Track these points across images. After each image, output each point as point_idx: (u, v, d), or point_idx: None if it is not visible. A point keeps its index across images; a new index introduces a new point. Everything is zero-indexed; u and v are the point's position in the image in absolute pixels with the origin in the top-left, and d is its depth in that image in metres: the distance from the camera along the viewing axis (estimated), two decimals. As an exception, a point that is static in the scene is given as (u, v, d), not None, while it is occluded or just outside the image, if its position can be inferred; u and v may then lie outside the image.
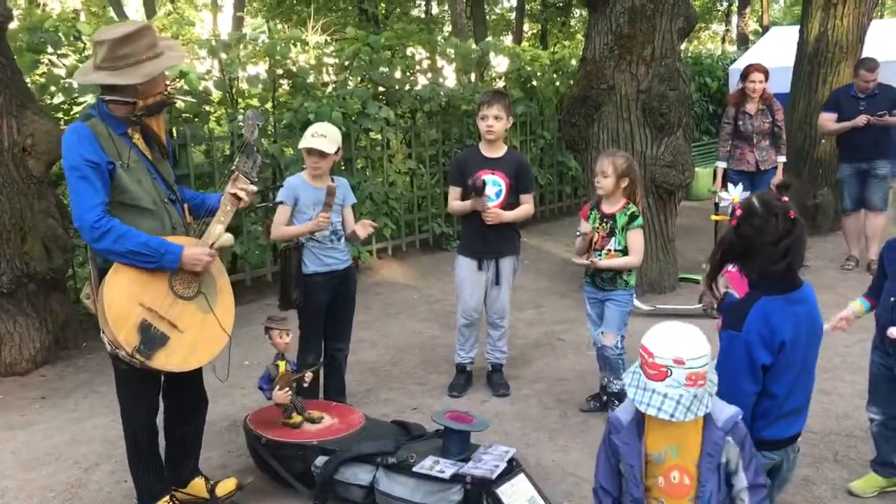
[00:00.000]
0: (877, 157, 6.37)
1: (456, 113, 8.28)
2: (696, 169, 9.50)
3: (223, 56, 6.39)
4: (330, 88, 7.38)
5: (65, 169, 2.72)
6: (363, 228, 3.87)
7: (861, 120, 6.22)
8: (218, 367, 3.01)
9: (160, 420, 3.12)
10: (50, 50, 5.56)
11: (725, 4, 28.13)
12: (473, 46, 8.80)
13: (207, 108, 6.34)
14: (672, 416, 1.96)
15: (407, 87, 7.84)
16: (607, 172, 3.80)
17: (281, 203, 3.74)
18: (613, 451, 2.15)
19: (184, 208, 3.04)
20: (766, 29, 19.95)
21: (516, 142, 8.95)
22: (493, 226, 4.14)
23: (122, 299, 2.71)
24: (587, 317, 4.15)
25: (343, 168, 6.89)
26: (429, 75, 8.60)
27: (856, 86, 6.39)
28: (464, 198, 4.21)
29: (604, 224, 3.87)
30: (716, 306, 2.50)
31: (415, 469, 3.02)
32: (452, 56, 8.75)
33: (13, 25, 5.10)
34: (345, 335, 4.11)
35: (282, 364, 3.42)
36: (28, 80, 5.30)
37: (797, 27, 8.38)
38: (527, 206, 4.26)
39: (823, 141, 7.88)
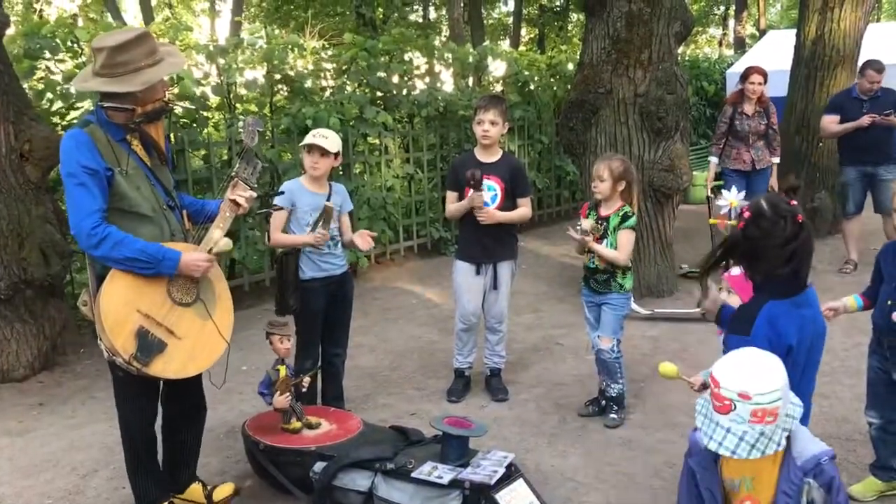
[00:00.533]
0: (880, 159, 6.37)
1: (454, 117, 8.29)
2: (694, 173, 9.54)
3: (221, 61, 6.40)
4: (328, 93, 7.39)
5: (62, 175, 2.71)
6: (363, 241, 3.86)
7: (865, 120, 6.23)
8: (214, 372, 3.00)
9: (158, 426, 3.11)
10: (47, 56, 5.56)
11: (722, 8, 28.20)
12: (471, 51, 8.81)
13: (205, 113, 6.34)
14: (733, 452, 1.87)
15: (405, 91, 7.85)
16: (604, 176, 3.82)
17: (280, 209, 3.74)
18: (692, 473, 2.08)
19: (183, 215, 3.03)
20: (763, 33, 20.03)
21: (514, 146, 8.96)
22: (491, 231, 4.14)
23: (119, 306, 2.70)
24: (585, 321, 4.16)
25: (341, 173, 6.89)
26: (426, 80, 8.61)
27: (859, 87, 6.40)
28: (462, 200, 4.21)
29: (598, 226, 3.90)
30: (700, 306, 2.48)
31: (413, 475, 3.01)
32: (450, 61, 8.76)
33: (10, 31, 5.10)
34: (342, 340, 4.10)
35: (282, 369, 3.42)
36: (26, 85, 5.29)
37: (794, 31, 8.40)
38: (523, 210, 4.26)
39: (821, 144, 7.90)
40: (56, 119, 5.61)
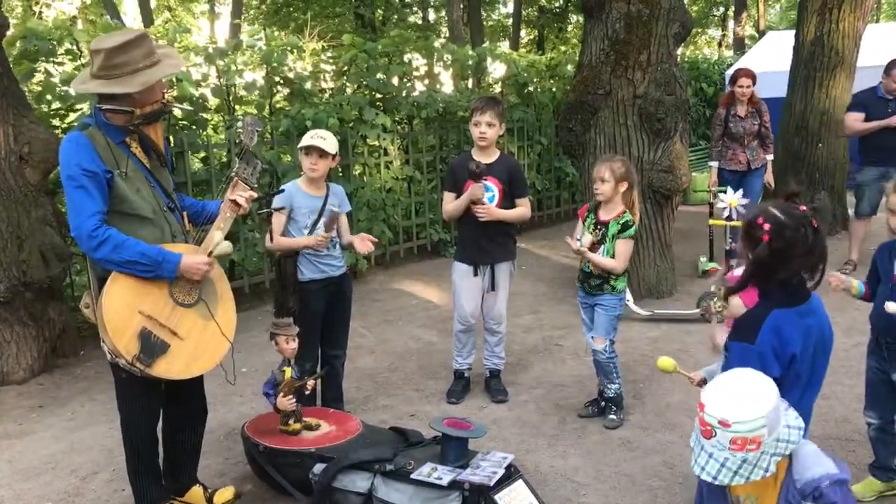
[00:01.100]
0: None
1: (453, 119, 8.30)
2: (694, 174, 9.55)
3: (220, 63, 6.40)
4: (327, 95, 7.39)
5: (62, 178, 2.71)
6: (363, 245, 3.87)
7: (895, 120, 6.21)
8: (220, 373, 3.00)
9: (159, 428, 3.11)
10: (46, 58, 5.56)
11: (722, 10, 28.21)
12: (470, 53, 8.81)
13: (205, 115, 6.34)
14: (714, 478, 1.85)
15: (404, 93, 7.85)
16: (606, 178, 3.81)
17: (279, 209, 3.74)
18: (702, 489, 2.10)
19: (183, 216, 3.04)
20: (762, 34, 20.03)
21: (514, 147, 8.96)
22: (489, 232, 4.14)
23: (122, 308, 2.70)
24: (582, 322, 4.16)
25: (340, 174, 6.90)
26: (426, 82, 8.61)
27: (884, 87, 6.35)
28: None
29: (597, 231, 3.89)
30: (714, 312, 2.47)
31: (413, 476, 3.01)
32: (449, 62, 8.76)
33: (10, 33, 5.10)
34: (341, 342, 4.10)
35: (287, 370, 3.42)
36: (25, 88, 5.29)
37: (793, 31, 8.40)
38: (522, 209, 4.26)
39: (820, 145, 7.91)
40: (56, 122, 5.61)
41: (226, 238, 2.97)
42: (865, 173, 6.54)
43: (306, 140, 3.75)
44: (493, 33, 25.06)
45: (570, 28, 24.71)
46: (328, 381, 4.09)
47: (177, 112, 5.72)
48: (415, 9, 22.52)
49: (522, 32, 24.19)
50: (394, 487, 3.05)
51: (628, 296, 5.41)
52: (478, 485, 2.89)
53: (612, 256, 3.84)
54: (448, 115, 8.26)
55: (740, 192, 6.00)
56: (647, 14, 5.78)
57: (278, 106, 7.09)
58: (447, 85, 9.30)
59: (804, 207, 2.21)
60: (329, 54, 8.10)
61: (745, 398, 1.86)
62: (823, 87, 7.80)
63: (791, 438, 1.91)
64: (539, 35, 24.25)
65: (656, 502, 3.24)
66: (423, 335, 5.64)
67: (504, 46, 19.34)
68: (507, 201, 4.20)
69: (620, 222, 3.83)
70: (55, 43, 5.56)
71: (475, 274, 4.24)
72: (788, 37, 9.26)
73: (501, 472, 2.98)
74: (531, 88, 9.53)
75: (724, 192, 6.11)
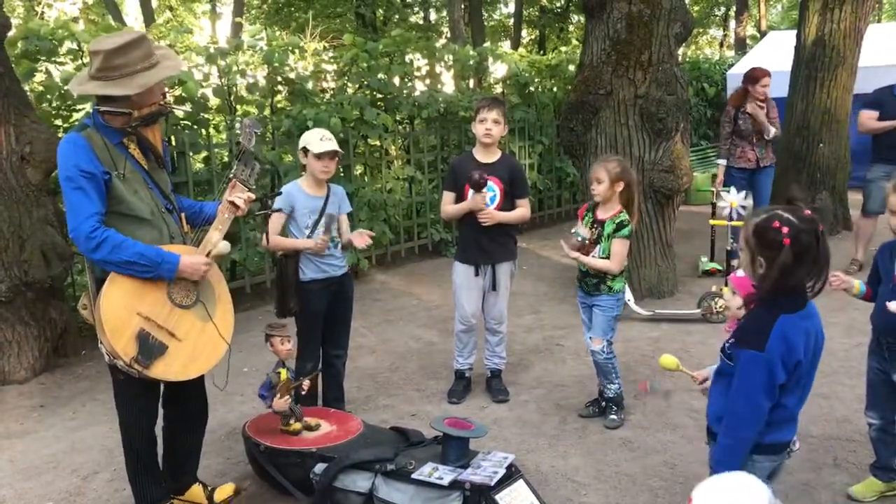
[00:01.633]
0: None
1: (454, 119, 8.29)
2: (695, 174, 9.54)
3: (222, 63, 6.40)
4: (328, 95, 7.39)
5: (60, 179, 2.71)
6: (361, 239, 3.88)
7: None
8: (216, 374, 3.00)
9: (159, 427, 3.11)
10: (47, 58, 5.56)
11: (723, 10, 28.18)
12: (471, 53, 8.81)
13: (206, 115, 6.34)
14: None
15: (405, 93, 7.85)
16: (601, 179, 3.82)
17: (279, 211, 3.74)
18: None
19: (181, 217, 3.04)
20: (763, 34, 20.01)
21: (515, 147, 8.96)
22: (490, 232, 4.14)
23: (119, 309, 2.70)
24: (582, 322, 4.16)
25: (342, 174, 6.90)
26: (427, 82, 8.61)
27: None
28: (459, 202, 4.21)
29: (593, 229, 3.89)
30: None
31: (414, 476, 3.01)
32: (450, 62, 8.77)
33: (12, 33, 5.11)
34: (342, 341, 4.11)
35: (283, 371, 3.42)
36: (27, 87, 5.30)
37: (795, 32, 8.40)
38: (522, 210, 4.26)
39: (821, 145, 7.90)
40: (58, 122, 5.62)
41: (226, 238, 2.97)
42: (874, 171, 6.50)
43: (321, 146, 3.73)
44: (494, 33, 25.03)
45: (571, 28, 24.69)
46: (329, 380, 4.09)
47: (179, 113, 5.72)
48: (416, 9, 22.50)
49: (524, 32, 24.17)
50: (395, 487, 3.05)
51: (629, 295, 5.41)
52: (479, 485, 2.90)
53: (608, 257, 3.84)
54: (449, 115, 8.26)
55: (743, 192, 6.00)
56: (648, 14, 5.78)
57: (279, 106, 7.10)
58: (448, 85, 9.29)
59: (809, 211, 2.21)
60: (330, 54, 8.11)
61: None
62: (825, 87, 7.79)
63: None
64: (540, 35, 24.23)
65: (657, 502, 3.24)
66: (423, 335, 5.65)
67: (505, 46, 19.30)
68: (508, 201, 4.20)
69: (616, 221, 3.83)
70: (56, 43, 5.56)
71: (476, 274, 4.24)
72: (790, 37, 9.26)
73: (502, 471, 2.98)
74: (532, 88, 9.53)
75: (728, 191, 6.12)
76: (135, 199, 2.79)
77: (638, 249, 6.01)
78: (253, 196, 2.99)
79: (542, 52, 19.96)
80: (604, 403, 4.06)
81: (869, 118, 6.45)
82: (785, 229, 2.15)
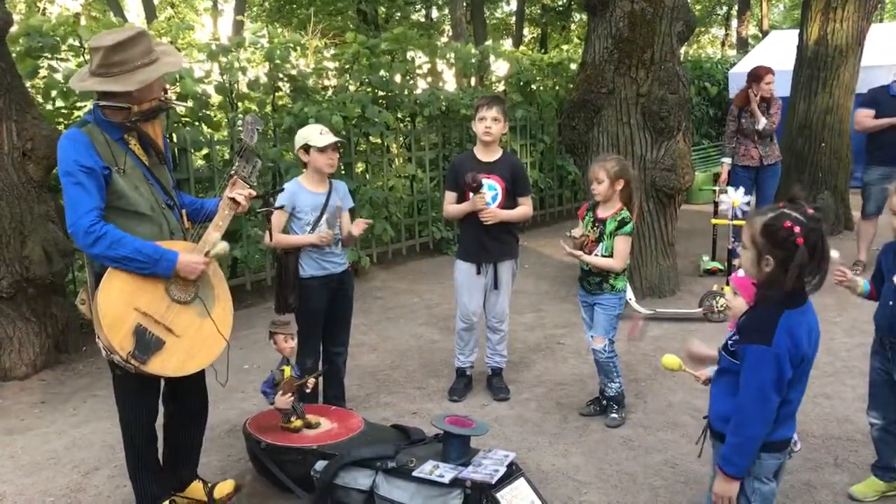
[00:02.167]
0: None
1: (456, 117, 8.29)
2: (696, 173, 9.54)
3: (223, 60, 6.40)
4: (330, 92, 7.39)
5: (60, 175, 2.71)
6: (357, 227, 3.88)
7: None
8: (217, 371, 3.00)
9: (160, 424, 3.11)
10: (49, 54, 5.56)
11: (725, 9, 28.16)
12: (473, 51, 8.80)
13: (207, 111, 6.34)
14: None
15: (407, 91, 7.85)
16: (601, 178, 3.81)
17: (280, 208, 3.74)
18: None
19: (182, 214, 3.03)
20: (765, 33, 19.98)
21: (516, 146, 8.96)
22: (491, 230, 4.14)
23: (117, 304, 2.70)
24: (582, 321, 4.16)
25: (343, 172, 6.90)
26: (429, 79, 8.61)
27: None
28: (461, 201, 4.21)
29: (595, 228, 3.88)
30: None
31: (414, 474, 3.01)
32: (452, 60, 8.76)
33: (14, 30, 5.10)
34: (343, 339, 4.10)
35: (286, 369, 3.42)
36: (28, 84, 5.29)
37: (797, 31, 8.39)
38: (524, 208, 4.26)
39: (823, 145, 7.89)
40: (60, 119, 5.61)
41: (227, 235, 2.96)
42: (871, 173, 6.50)
43: (323, 139, 3.75)
44: (495, 31, 25.03)
45: (573, 26, 24.68)
46: (330, 378, 4.09)
47: (181, 110, 5.71)
48: (418, 6, 22.49)
49: (525, 31, 24.18)
50: (395, 485, 3.05)
51: (630, 294, 5.41)
52: (479, 483, 2.89)
53: (611, 255, 3.83)
54: (451, 113, 8.25)
55: (741, 190, 5.99)
56: (650, 13, 5.77)
57: (281, 103, 7.09)
58: (450, 83, 9.30)
59: (811, 210, 2.20)
60: (332, 52, 8.10)
61: None
62: (827, 86, 7.79)
63: None
64: (542, 33, 24.24)
65: (658, 501, 3.24)
66: (424, 333, 5.64)
67: (507, 44, 19.31)
68: (510, 200, 4.20)
69: (617, 219, 3.82)
70: (58, 39, 5.56)
71: (478, 272, 4.24)
72: (792, 36, 9.25)
73: (503, 470, 2.98)
74: (534, 87, 9.52)
75: (725, 192, 6.11)
76: (135, 195, 2.79)
77: (639, 248, 6.01)
78: (254, 193, 2.98)
79: (543, 50, 19.95)
80: (605, 402, 4.06)
81: (865, 116, 6.45)
82: (797, 229, 2.15)
